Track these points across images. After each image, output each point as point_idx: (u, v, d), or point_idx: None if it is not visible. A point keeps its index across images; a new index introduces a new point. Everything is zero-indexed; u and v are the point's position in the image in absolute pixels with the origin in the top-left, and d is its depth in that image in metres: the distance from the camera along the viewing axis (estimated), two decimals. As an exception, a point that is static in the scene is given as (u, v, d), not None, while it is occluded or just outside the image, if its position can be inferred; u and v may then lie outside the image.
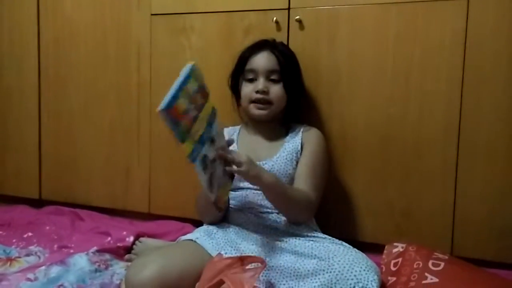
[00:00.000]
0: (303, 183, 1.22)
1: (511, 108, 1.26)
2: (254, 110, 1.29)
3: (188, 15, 1.57)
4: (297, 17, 1.42)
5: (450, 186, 1.33)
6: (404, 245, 1.17)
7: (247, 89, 1.29)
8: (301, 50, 1.42)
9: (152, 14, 1.62)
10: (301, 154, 1.27)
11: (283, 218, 1.22)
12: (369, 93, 1.39)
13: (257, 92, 1.26)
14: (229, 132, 1.37)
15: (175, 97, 0.94)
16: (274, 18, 1.44)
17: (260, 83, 1.26)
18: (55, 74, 1.79)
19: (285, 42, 1.44)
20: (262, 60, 1.27)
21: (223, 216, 1.28)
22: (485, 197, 1.30)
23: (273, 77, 1.27)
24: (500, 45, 1.26)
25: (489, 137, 1.28)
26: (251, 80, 1.29)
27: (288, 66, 1.29)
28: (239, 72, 1.34)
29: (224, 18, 1.52)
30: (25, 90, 1.84)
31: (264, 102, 1.27)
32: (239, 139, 1.35)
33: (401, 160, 1.37)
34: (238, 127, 1.40)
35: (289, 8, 1.44)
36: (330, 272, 1.01)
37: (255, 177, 1.08)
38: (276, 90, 1.27)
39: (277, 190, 1.13)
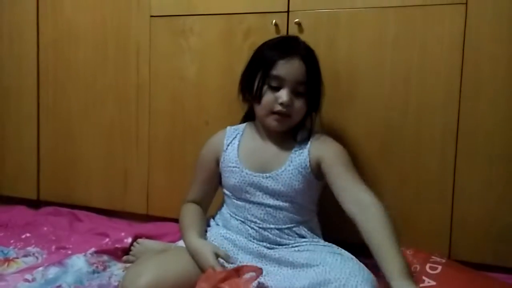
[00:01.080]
0: (358, 188, 1.10)
1: (509, 112, 1.27)
2: (272, 121, 1.18)
3: (187, 17, 1.57)
4: (296, 20, 1.43)
5: (448, 189, 1.33)
6: (401, 249, 1.17)
7: (269, 98, 1.16)
8: (300, 53, 1.43)
9: (151, 16, 1.62)
10: (311, 170, 1.18)
11: (285, 233, 1.18)
12: (368, 96, 1.39)
13: (280, 104, 1.15)
14: (231, 134, 1.27)
15: None
16: (274, 21, 1.44)
17: (285, 95, 1.14)
18: (54, 75, 1.79)
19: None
20: (292, 70, 1.14)
21: (218, 219, 1.28)
22: (483, 200, 1.30)
23: (299, 89, 1.16)
24: (499, 49, 1.26)
25: (488, 140, 1.29)
26: (275, 88, 1.16)
27: (315, 78, 1.19)
28: (261, 74, 1.18)
29: (223, 20, 1.53)
30: (24, 91, 1.84)
31: (284, 115, 1.17)
32: (242, 142, 1.25)
33: (399, 163, 1.37)
34: (242, 126, 1.30)
35: (288, 11, 1.44)
36: (326, 286, 0.98)
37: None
38: (299, 104, 1.17)
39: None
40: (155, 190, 1.67)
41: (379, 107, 1.38)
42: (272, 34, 1.44)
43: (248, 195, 1.20)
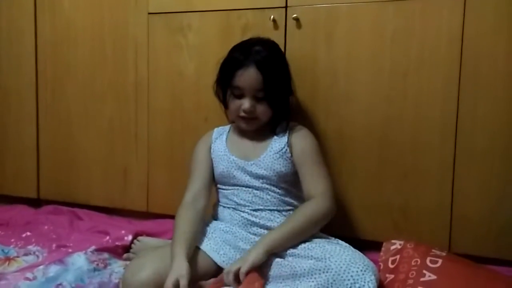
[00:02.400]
0: (313, 184, 1.22)
1: (508, 106, 1.26)
2: (241, 123, 1.29)
3: (185, 14, 1.57)
4: (295, 15, 1.42)
5: (447, 184, 1.33)
6: (402, 242, 1.17)
7: (234, 106, 1.26)
8: (298, 48, 1.42)
9: (149, 13, 1.61)
10: (291, 155, 1.26)
11: (277, 216, 1.22)
12: (367, 92, 1.39)
13: (243, 110, 1.24)
14: (218, 132, 1.37)
15: None
16: (272, 17, 1.44)
17: (247, 103, 1.23)
18: (52, 74, 1.79)
19: (282, 41, 1.43)
20: (249, 80, 1.22)
21: (216, 215, 1.30)
22: (483, 194, 1.30)
23: (259, 95, 1.23)
24: (498, 43, 1.26)
25: (487, 135, 1.29)
26: (237, 96, 1.25)
27: (274, 83, 1.23)
28: (224, 84, 1.29)
29: (221, 16, 1.52)
30: (22, 90, 1.83)
31: (250, 118, 1.26)
32: (229, 138, 1.34)
33: (398, 158, 1.37)
34: (228, 126, 1.39)
35: (286, 7, 1.44)
36: (327, 272, 1.01)
37: (262, 255, 1.05)
38: (261, 108, 1.25)
39: (287, 242, 1.11)
40: (155, 187, 1.67)
41: (378, 102, 1.38)
42: (270, 30, 1.44)
43: (235, 180, 1.26)
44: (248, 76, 1.22)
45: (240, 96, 1.25)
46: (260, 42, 1.28)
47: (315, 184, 1.22)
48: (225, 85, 1.29)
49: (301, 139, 1.28)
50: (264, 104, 1.25)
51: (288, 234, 1.11)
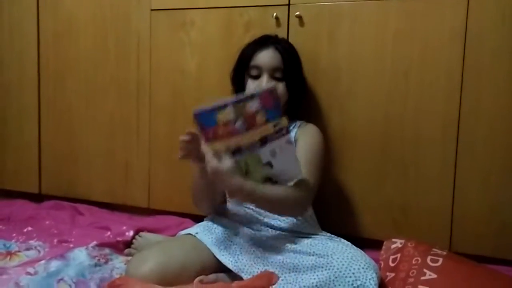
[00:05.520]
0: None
1: (510, 105, 1.26)
2: None
3: (188, 11, 1.57)
4: (297, 13, 1.42)
5: (448, 182, 1.33)
6: (402, 241, 1.18)
7: (252, 86, 1.28)
8: (301, 46, 1.41)
9: (152, 9, 1.61)
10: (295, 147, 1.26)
11: (280, 218, 1.22)
12: (369, 89, 1.39)
13: None
14: None
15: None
16: (274, 14, 1.44)
17: (264, 81, 1.26)
18: (54, 69, 1.79)
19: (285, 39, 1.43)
20: (267, 57, 1.26)
21: (221, 211, 1.29)
22: (484, 193, 1.30)
23: (276, 75, 1.27)
24: (500, 42, 1.26)
25: (488, 134, 1.29)
26: (255, 77, 1.28)
27: (291, 65, 1.28)
28: (243, 68, 1.32)
29: (224, 13, 1.52)
30: (24, 85, 1.84)
31: None
32: None
33: (400, 156, 1.37)
34: None
35: (289, 4, 1.44)
36: (329, 269, 1.01)
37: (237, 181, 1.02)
38: (278, 88, 1.25)
39: (262, 199, 1.09)
40: (156, 183, 1.67)
41: (380, 100, 1.38)
42: (272, 28, 1.44)
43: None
44: (267, 55, 1.26)
45: (258, 77, 1.27)
46: (278, 37, 1.34)
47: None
48: (242, 69, 1.31)
49: (307, 135, 1.28)
50: (281, 85, 1.26)
51: (266, 194, 1.07)
